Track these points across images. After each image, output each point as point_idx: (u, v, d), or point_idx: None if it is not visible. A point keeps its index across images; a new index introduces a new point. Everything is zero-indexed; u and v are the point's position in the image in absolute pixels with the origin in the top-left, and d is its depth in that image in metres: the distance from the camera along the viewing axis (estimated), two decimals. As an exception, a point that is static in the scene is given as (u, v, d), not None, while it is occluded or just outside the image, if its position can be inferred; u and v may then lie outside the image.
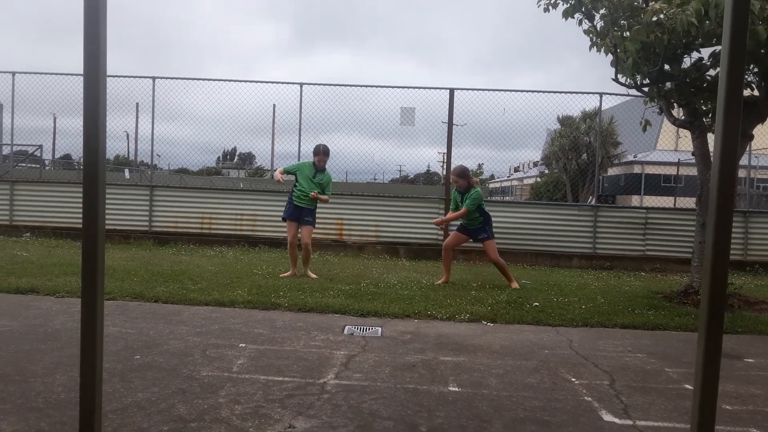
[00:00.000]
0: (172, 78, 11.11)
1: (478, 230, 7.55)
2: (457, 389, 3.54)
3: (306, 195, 7.49)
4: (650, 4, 5.75)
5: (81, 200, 1.57)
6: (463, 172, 7.44)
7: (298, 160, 11.09)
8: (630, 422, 3.13)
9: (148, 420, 2.86)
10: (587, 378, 3.88)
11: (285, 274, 7.47)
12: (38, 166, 20.64)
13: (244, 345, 4.30)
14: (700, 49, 6.25)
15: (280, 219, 8.07)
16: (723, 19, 1.43)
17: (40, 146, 16.34)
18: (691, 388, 1.58)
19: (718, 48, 5.97)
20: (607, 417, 3.19)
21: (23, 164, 18.33)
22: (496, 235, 10.62)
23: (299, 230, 7.59)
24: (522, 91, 10.99)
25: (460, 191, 7.49)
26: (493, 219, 10.70)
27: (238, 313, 5.34)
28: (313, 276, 7.45)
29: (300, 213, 7.54)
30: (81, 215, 1.57)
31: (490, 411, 3.20)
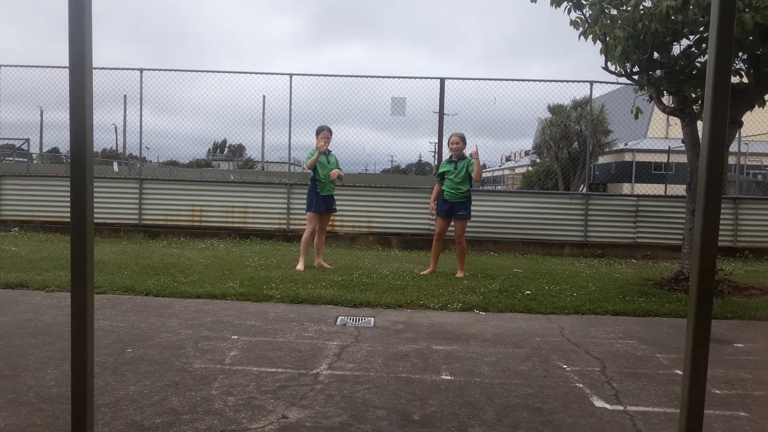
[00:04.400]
0: (159, 69, 11.00)
1: (459, 206, 7.31)
2: (449, 378, 3.56)
3: (332, 183, 7.61)
4: None
5: (69, 194, 1.55)
6: (464, 137, 7.42)
7: (289, 150, 11.07)
8: (621, 407, 3.17)
9: (140, 413, 2.86)
10: (579, 365, 3.91)
11: (313, 266, 7.53)
12: (25, 159, 20.45)
13: (236, 337, 4.30)
14: (689, 37, 6.25)
15: (305, 212, 7.71)
16: (707, 7, 1.43)
17: (27, 140, 16.22)
18: (681, 373, 1.60)
19: (706, 35, 5.97)
20: (599, 403, 3.22)
21: (10, 158, 18.16)
22: (488, 224, 10.71)
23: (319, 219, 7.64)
24: (513, 80, 10.99)
25: (455, 159, 7.35)
26: (485, 208, 10.83)
27: (230, 306, 5.33)
28: (328, 266, 7.62)
29: (328, 202, 7.65)
30: (69, 209, 1.56)
31: (482, 399, 3.22)
